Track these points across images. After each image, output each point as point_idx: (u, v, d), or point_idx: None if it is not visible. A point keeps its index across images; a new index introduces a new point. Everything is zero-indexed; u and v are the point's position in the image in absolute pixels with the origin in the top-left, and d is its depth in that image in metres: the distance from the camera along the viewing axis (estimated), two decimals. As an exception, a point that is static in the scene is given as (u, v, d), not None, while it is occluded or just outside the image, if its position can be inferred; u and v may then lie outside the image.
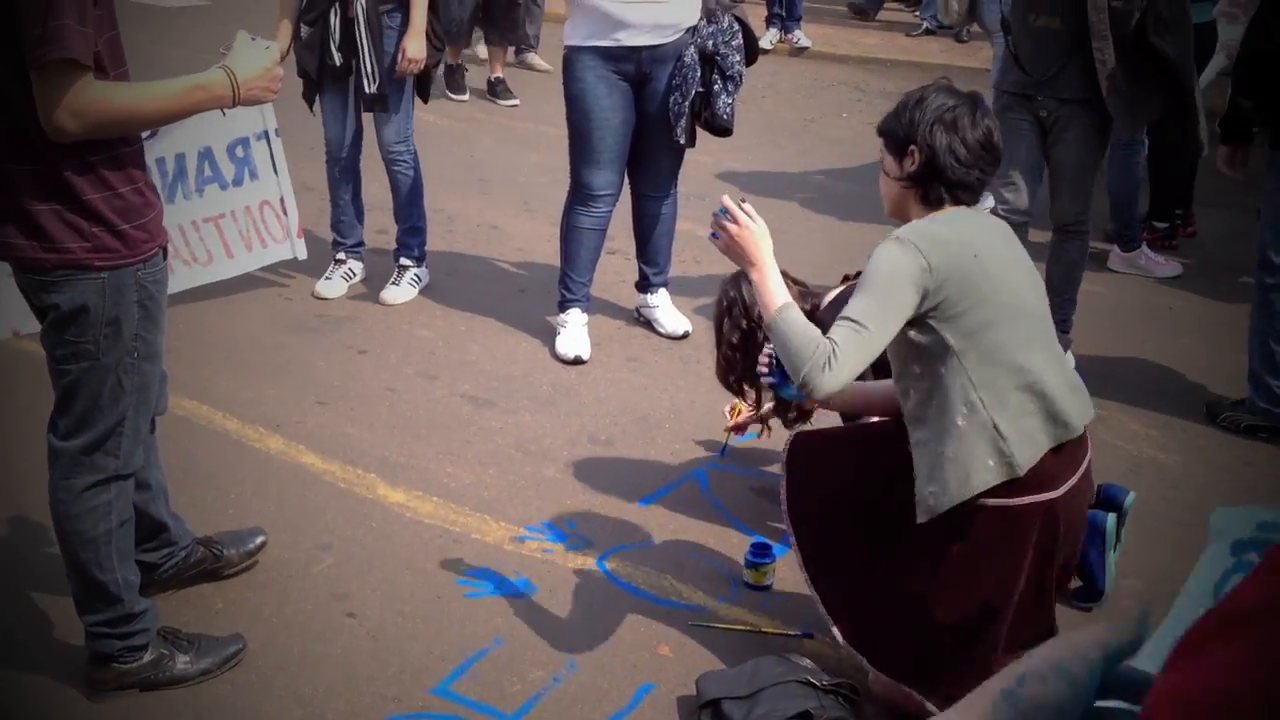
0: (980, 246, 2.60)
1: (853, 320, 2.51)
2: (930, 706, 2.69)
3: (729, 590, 3.40)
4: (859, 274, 3.58)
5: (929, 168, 2.63)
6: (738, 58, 4.58)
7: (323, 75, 4.92)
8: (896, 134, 2.69)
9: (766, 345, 3.10)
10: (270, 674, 3.02)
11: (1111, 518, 3.29)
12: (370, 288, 5.34)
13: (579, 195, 4.73)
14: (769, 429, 3.91)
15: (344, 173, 5.19)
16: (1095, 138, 4.44)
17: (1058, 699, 1.04)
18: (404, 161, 5.09)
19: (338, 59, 4.83)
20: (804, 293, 3.53)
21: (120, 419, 2.69)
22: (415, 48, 4.84)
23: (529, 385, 4.58)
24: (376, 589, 3.36)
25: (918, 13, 10.62)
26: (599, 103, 4.53)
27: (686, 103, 4.53)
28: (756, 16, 7.61)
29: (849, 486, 2.96)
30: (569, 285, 4.84)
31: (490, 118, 8.18)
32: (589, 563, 3.51)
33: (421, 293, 5.33)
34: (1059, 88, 4.35)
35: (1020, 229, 4.65)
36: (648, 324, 5.06)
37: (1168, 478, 4.04)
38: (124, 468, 2.75)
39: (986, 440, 2.55)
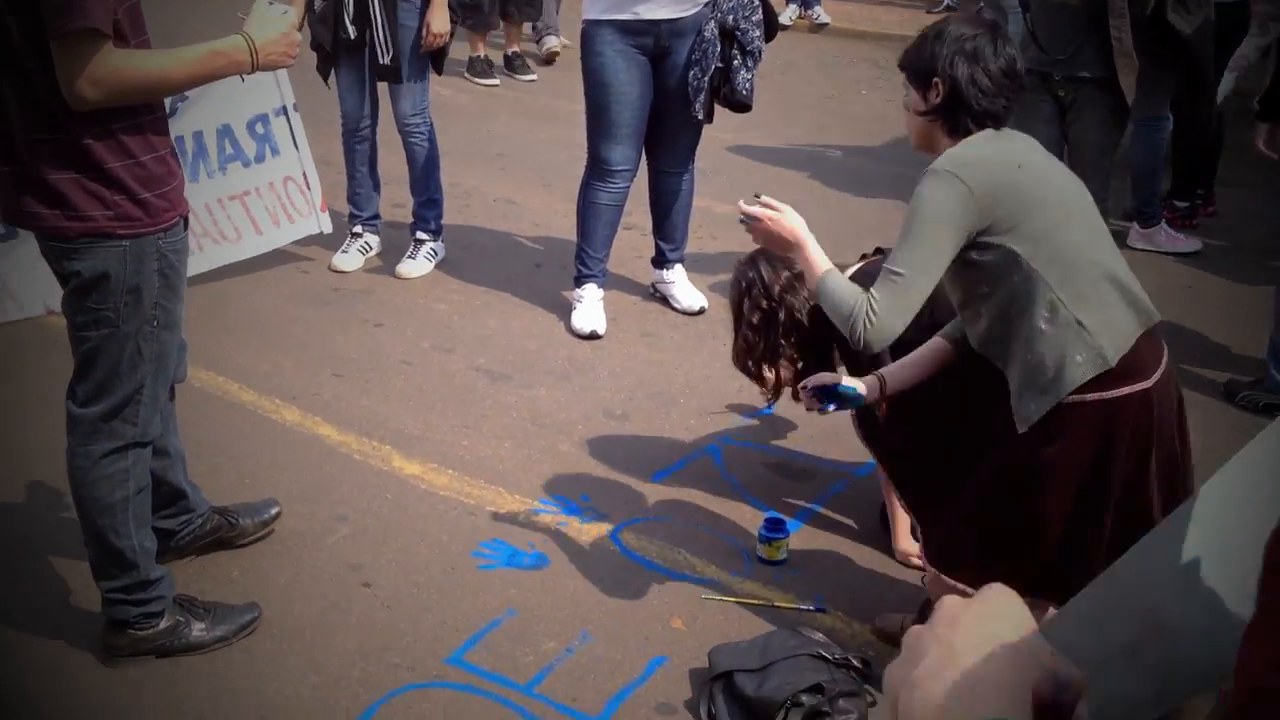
0: (1020, 158, 2.58)
1: (890, 270, 2.53)
2: None
3: (742, 564, 3.41)
4: (878, 250, 3.58)
5: (953, 99, 2.61)
6: (758, 33, 4.55)
7: (337, 48, 4.92)
8: (919, 67, 2.68)
9: (810, 395, 3.06)
10: (285, 642, 3.04)
11: None
12: (386, 262, 5.35)
13: (596, 170, 4.72)
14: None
15: (361, 145, 5.19)
16: (1113, 119, 4.41)
17: None
18: (420, 133, 5.09)
19: (351, 32, 4.82)
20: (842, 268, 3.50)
21: (138, 386, 2.70)
22: (440, 22, 4.84)
23: (545, 360, 4.58)
24: (391, 560, 3.38)
25: (939, -10, 10.54)
26: (617, 77, 4.52)
27: (706, 78, 4.51)
28: (776, -8, 7.56)
29: (936, 422, 2.93)
30: (585, 260, 4.84)
31: (508, 93, 8.16)
32: (603, 536, 3.52)
33: (438, 267, 5.33)
34: (1076, 66, 4.32)
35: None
36: (664, 300, 5.06)
37: (1184, 457, 4.02)
38: (142, 435, 2.77)
39: (1073, 338, 2.50)
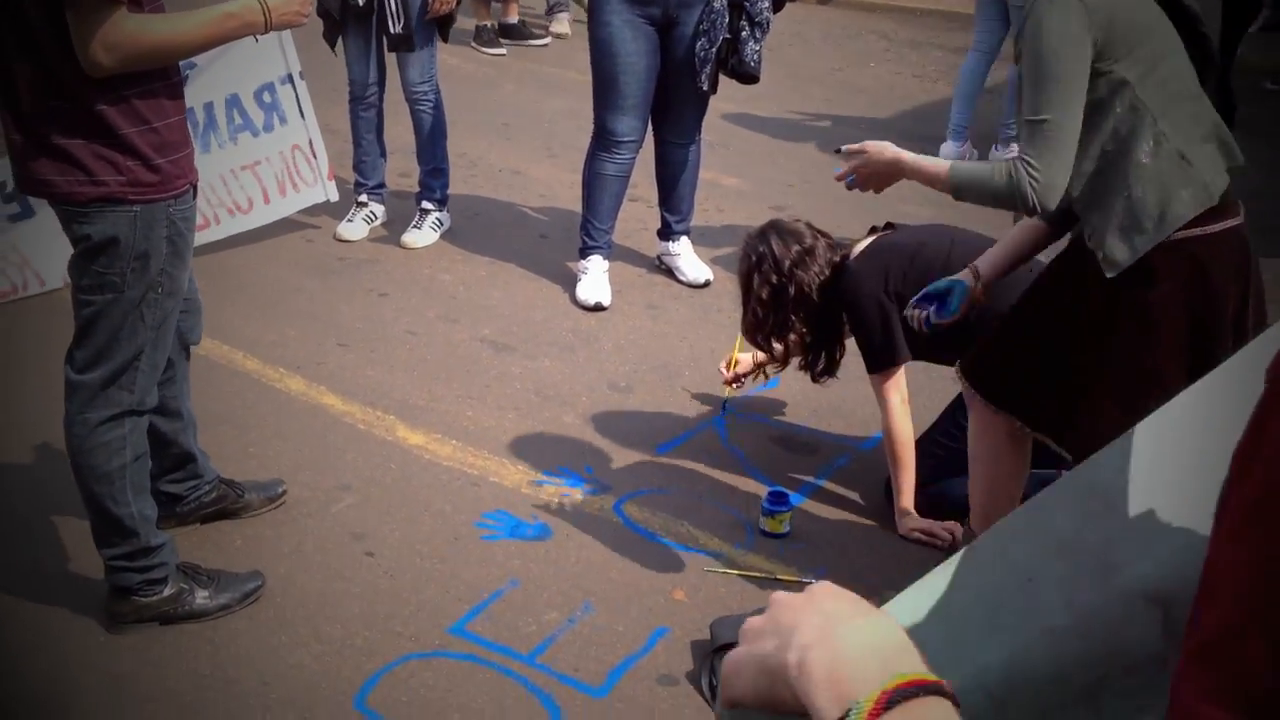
0: None
1: (1032, 120, 2.43)
2: None
3: (745, 537, 3.41)
4: (888, 225, 3.55)
5: None
6: (766, 4, 4.52)
7: (346, 15, 4.88)
8: None
9: (913, 306, 2.97)
10: (289, 610, 3.05)
11: None
12: (392, 231, 5.34)
13: (602, 141, 4.70)
14: (765, 375, 3.92)
15: (367, 113, 5.17)
16: None
17: None
18: (428, 101, 5.07)
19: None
20: (831, 244, 3.50)
21: (137, 353, 2.70)
22: None
23: (549, 331, 4.57)
24: (395, 529, 3.38)
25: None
26: (625, 47, 4.49)
27: (713, 49, 4.48)
28: (785, -37, 7.51)
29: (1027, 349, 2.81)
30: (591, 232, 4.82)
31: (515, 62, 8.12)
32: (606, 507, 3.52)
33: (443, 237, 5.32)
34: None
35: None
36: (669, 272, 5.04)
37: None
38: (139, 403, 2.76)
39: (1176, 170, 2.43)
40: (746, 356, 3.91)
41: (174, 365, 3.02)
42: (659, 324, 4.66)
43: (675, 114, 4.76)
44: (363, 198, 5.35)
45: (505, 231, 5.45)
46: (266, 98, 4.96)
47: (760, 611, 0.81)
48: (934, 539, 3.34)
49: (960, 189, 2.58)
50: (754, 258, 3.47)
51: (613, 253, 4.92)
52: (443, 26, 5.01)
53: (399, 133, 5.47)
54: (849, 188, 2.82)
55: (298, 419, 3.93)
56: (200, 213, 4.51)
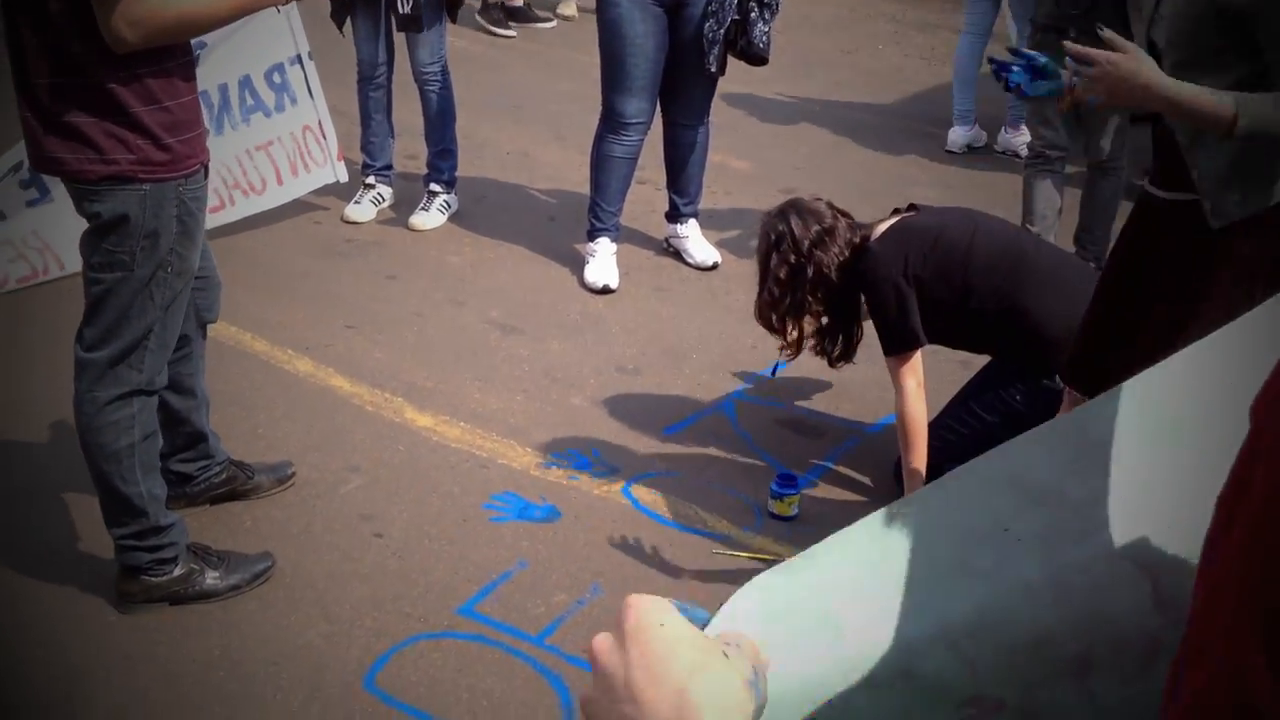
0: None
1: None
2: None
3: (753, 520, 3.41)
4: (911, 206, 3.52)
5: None
6: (775, -14, 4.50)
7: (355, -5, 4.87)
8: None
9: (996, 65, 2.72)
10: (298, 591, 3.06)
11: None
12: (399, 213, 5.33)
13: (611, 123, 4.68)
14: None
15: (376, 93, 5.16)
16: None
17: None
18: (437, 81, 5.06)
19: (370, -21, 4.78)
20: (852, 224, 3.46)
21: (146, 332, 2.70)
22: None
23: (557, 313, 4.57)
24: (403, 510, 3.39)
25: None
26: (633, 28, 4.47)
27: (722, 30, 4.46)
28: (794, -56, 7.47)
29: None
30: (599, 214, 4.81)
31: (523, 44, 8.09)
32: (614, 490, 3.52)
33: (450, 219, 5.31)
34: (1092, 21, 4.25)
35: (1057, 162, 4.60)
36: (677, 254, 5.03)
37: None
38: (148, 383, 2.77)
39: None
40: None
41: (189, 343, 3.02)
42: (667, 306, 4.66)
43: (684, 96, 4.74)
44: (370, 179, 5.34)
45: (513, 214, 5.44)
46: (277, 78, 4.95)
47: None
48: (943, 522, 3.33)
49: (1253, 131, 2.19)
50: (773, 236, 3.43)
51: (620, 235, 4.91)
52: (451, 7, 4.99)
53: (406, 115, 5.45)
54: (1076, 83, 2.39)
55: (306, 400, 3.93)
56: (215, 194, 4.52)
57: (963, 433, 3.39)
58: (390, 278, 4.81)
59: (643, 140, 4.73)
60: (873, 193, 5.11)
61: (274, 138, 4.94)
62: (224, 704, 2.69)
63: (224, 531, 3.24)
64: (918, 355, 3.32)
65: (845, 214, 3.49)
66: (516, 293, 4.72)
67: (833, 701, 1.04)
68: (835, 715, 1.04)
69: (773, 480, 3.44)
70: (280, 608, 3.00)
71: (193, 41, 2.71)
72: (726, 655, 0.76)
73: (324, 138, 5.08)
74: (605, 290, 4.71)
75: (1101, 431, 1.08)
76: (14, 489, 3.39)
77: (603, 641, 0.78)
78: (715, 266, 4.93)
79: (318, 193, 5.26)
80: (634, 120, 4.64)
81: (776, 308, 3.46)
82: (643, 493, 3.51)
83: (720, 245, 5.06)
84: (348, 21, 5.03)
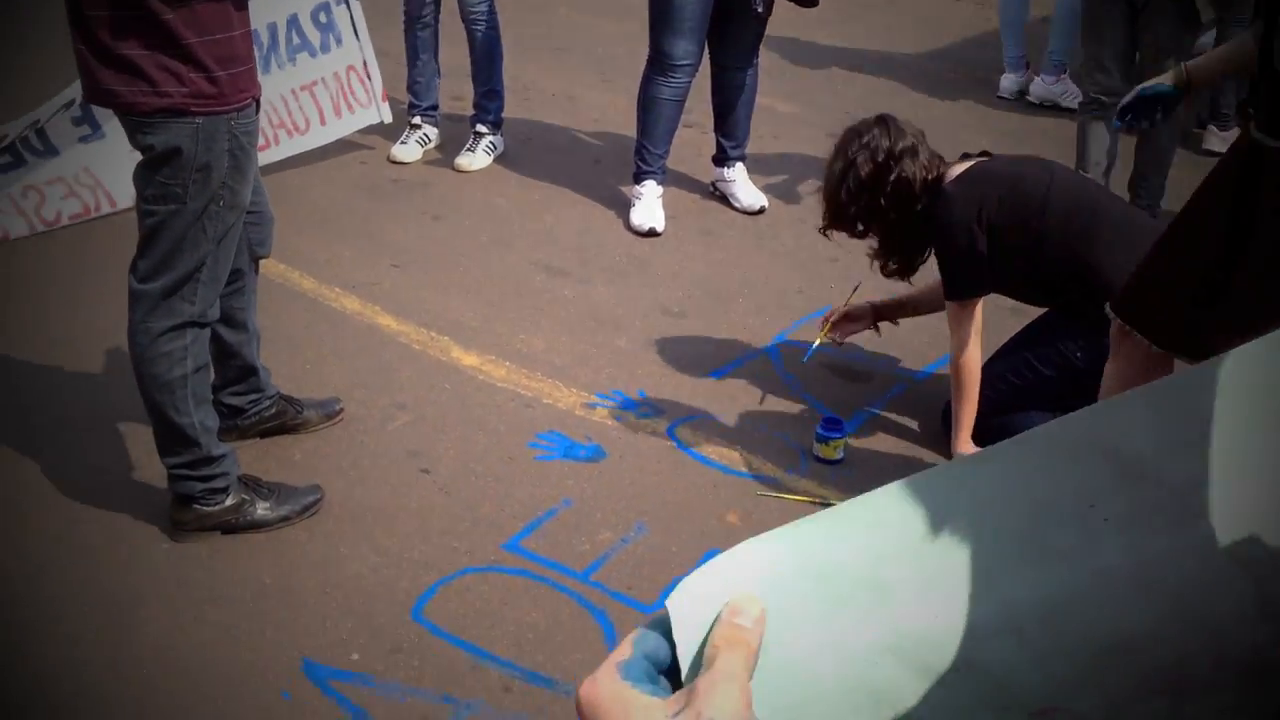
0: None
1: None
2: None
3: (798, 463, 3.41)
4: (983, 153, 3.46)
5: None
6: (827, -76, 4.43)
7: (402, -67, 4.84)
8: None
9: (1121, 106, 2.80)
10: (347, 523, 3.09)
11: None
12: (445, 154, 5.33)
13: (658, 65, 4.65)
14: (877, 330, 3.82)
15: (423, 32, 5.15)
16: (1185, 25, 4.27)
17: None
18: (484, 20, 5.03)
19: (417, -84, 4.75)
20: (935, 155, 3.35)
21: (199, 264, 2.73)
22: None
23: (602, 256, 4.57)
24: (450, 448, 3.41)
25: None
26: (682, -32, 4.42)
27: (771, -30, 4.41)
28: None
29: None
30: (645, 157, 4.79)
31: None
32: (659, 431, 3.53)
33: (496, 160, 5.30)
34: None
35: (1113, 109, 4.52)
36: (723, 198, 5.01)
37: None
38: (200, 315, 2.79)
39: None
40: (857, 307, 3.77)
41: (241, 277, 3.05)
42: (713, 250, 4.64)
43: (732, 38, 4.70)
44: (416, 120, 5.34)
45: (559, 156, 5.42)
46: (322, 18, 4.94)
47: None
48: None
49: None
50: (863, 135, 3.30)
51: (667, 179, 4.89)
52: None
53: (452, 55, 5.44)
54: None
55: (353, 338, 3.96)
56: (260, 133, 4.53)
57: (1016, 384, 3.36)
58: (436, 218, 4.82)
59: (690, 83, 4.70)
60: (936, 137, 5.03)
61: (318, 78, 4.94)
62: (276, 630, 2.74)
63: (274, 464, 3.28)
64: (979, 304, 3.28)
65: (921, 137, 3.37)
66: (562, 235, 4.72)
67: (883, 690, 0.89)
68: (884, 703, 0.90)
69: (818, 424, 3.44)
70: (329, 539, 3.04)
71: None
72: None
73: (368, 79, 5.08)
74: (651, 233, 4.70)
75: (1205, 405, 0.92)
76: (69, 418, 3.44)
77: None
78: (762, 211, 4.90)
79: (364, 133, 5.26)
80: (682, 62, 4.60)
81: (854, 202, 3.31)
82: (687, 434, 3.52)
83: (767, 189, 5.03)
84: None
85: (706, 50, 4.71)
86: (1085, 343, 3.25)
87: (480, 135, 5.27)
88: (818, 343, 3.73)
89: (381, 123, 5.17)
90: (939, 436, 3.48)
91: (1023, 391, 3.35)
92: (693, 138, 5.37)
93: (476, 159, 5.24)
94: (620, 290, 4.32)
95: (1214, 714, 0.90)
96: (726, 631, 0.71)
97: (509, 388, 3.71)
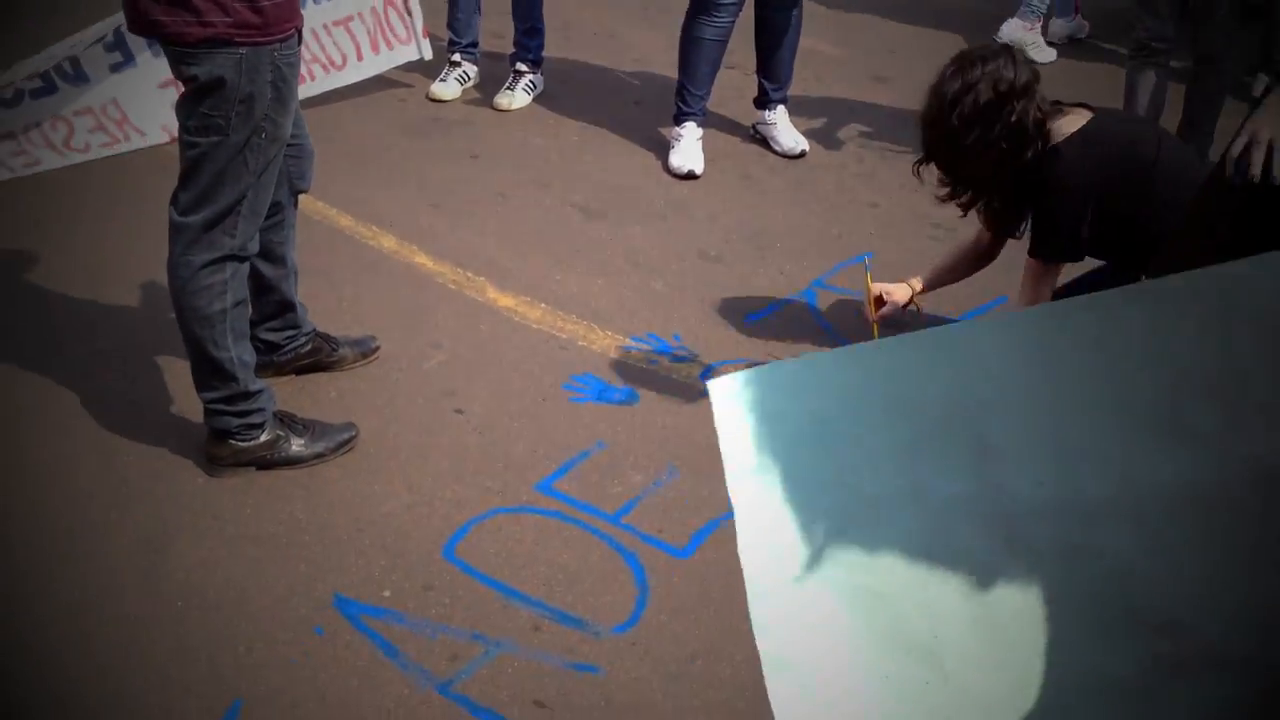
0: None
1: None
2: None
3: (833, 410, 3.38)
4: (1080, 105, 3.18)
5: None
6: None
7: None
8: None
9: None
10: (381, 461, 3.11)
11: None
12: (484, 93, 5.29)
13: (701, 3, 4.57)
14: (919, 309, 3.72)
15: (463, -31, 5.09)
16: None
17: None
18: (526, -46, 4.97)
19: None
20: (1046, 107, 3.05)
21: (240, 197, 2.72)
22: None
23: (640, 198, 4.53)
24: (484, 388, 3.42)
25: None
26: (727, -96, 4.34)
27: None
28: None
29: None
30: (686, 98, 4.73)
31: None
32: (693, 374, 3.52)
33: (535, 100, 5.26)
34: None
35: (1162, 55, 4.42)
36: (764, 141, 4.95)
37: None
38: (240, 248, 2.79)
39: None
40: (892, 286, 3.63)
41: (281, 210, 3.04)
42: (752, 194, 4.59)
43: (777, -23, 4.61)
44: (456, 57, 5.29)
45: (598, 96, 5.37)
46: (361, -49, 4.90)
47: None
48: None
49: None
50: (987, 61, 2.98)
51: (707, 120, 4.83)
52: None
53: (493, -8, 5.39)
54: None
55: (390, 277, 3.96)
56: (296, 67, 4.51)
57: None
58: (474, 157, 4.79)
59: (733, 22, 4.62)
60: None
61: (354, 13, 4.90)
62: (309, 565, 2.76)
63: (309, 401, 3.30)
64: (1061, 269, 3.18)
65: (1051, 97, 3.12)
66: (600, 176, 4.68)
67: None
68: (965, 564, 0.75)
69: (854, 371, 3.40)
70: (363, 476, 3.06)
71: None
72: None
73: (408, 14, 5.03)
74: (690, 176, 4.66)
75: None
76: (106, 352, 3.47)
77: None
78: (803, 155, 4.84)
79: (403, 70, 5.23)
80: (725, 1, 4.52)
81: (965, 135, 2.98)
82: (722, 379, 3.50)
83: (808, 133, 4.96)
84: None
85: (750, -10, 4.64)
86: None
87: (520, 74, 5.22)
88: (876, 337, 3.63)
89: (421, 60, 5.14)
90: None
91: None
92: (734, 79, 5.30)
93: (516, 98, 5.20)
94: (657, 233, 4.29)
95: None
96: None
97: (544, 329, 3.70)
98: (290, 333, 3.31)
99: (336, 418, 3.19)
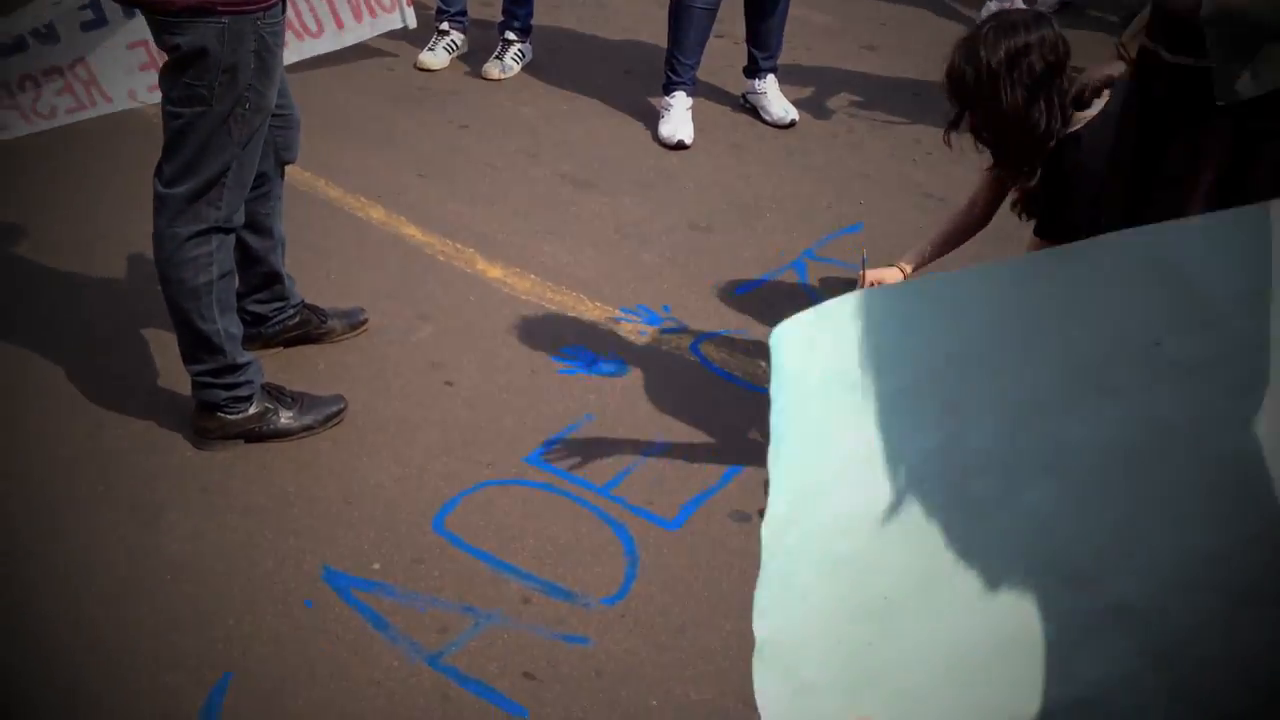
0: None
1: None
2: None
3: (823, 381, 3.38)
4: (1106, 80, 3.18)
5: None
6: None
7: None
8: None
9: None
10: (370, 434, 3.10)
11: None
12: (473, 63, 5.25)
13: (691, -29, 4.54)
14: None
15: (450, -63, 5.04)
16: None
17: None
18: (514, -79, 4.93)
19: None
20: (1076, 87, 2.85)
21: (224, 168, 2.70)
22: None
23: (630, 168, 4.51)
24: (473, 360, 3.41)
25: None
26: None
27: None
28: None
29: None
30: (676, 67, 4.70)
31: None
32: (683, 346, 3.51)
33: (524, 69, 5.22)
34: None
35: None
36: (754, 111, 4.92)
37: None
38: (225, 220, 2.78)
39: None
40: (883, 272, 3.60)
41: (268, 181, 3.02)
42: (742, 164, 4.57)
43: (767, -55, 4.57)
44: (444, 25, 5.25)
45: (588, 66, 5.33)
46: (346, -84, 4.83)
47: None
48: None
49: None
50: (1040, 25, 2.75)
51: (697, 90, 4.81)
52: None
53: (481, -41, 5.34)
54: None
55: (378, 248, 3.94)
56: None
57: None
58: (463, 127, 4.76)
59: (723, -9, 4.59)
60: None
61: None
62: (298, 538, 2.76)
63: (298, 374, 3.28)
64: None
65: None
66: (590, 146, 4.65)
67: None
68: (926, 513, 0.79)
69: (844, 342, 3.40)
70: (352, 449, 3.05)
71: None
72: None
73: (392, -19, 4.97)
74: (680, 146, 4.63)
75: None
76: (93, 324, 3.45)
77: None
78: (793, 124, 4.82)
79: (390, 39, 5.18)
80: (715, -31, 4.49)
81: (1029, 104, 2.73)
82: (711, 350, 3.50)
83: (798, 103, 4.94)
84: None
85: (740, -42, 4.60)
86: None
87: (509, 43, 5.18)
88: None
89: (406, 28, 5.09)
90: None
91: None
92: (724, 49, 5.27)
93: (505, 67, 5.16)
94: (647, 203, 4.27)
95: (1263, 628, 0.78)
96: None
97: (533, 300, 3.69)
98: (278, 305, 3.30)
99: (325, 390, 3.18)
